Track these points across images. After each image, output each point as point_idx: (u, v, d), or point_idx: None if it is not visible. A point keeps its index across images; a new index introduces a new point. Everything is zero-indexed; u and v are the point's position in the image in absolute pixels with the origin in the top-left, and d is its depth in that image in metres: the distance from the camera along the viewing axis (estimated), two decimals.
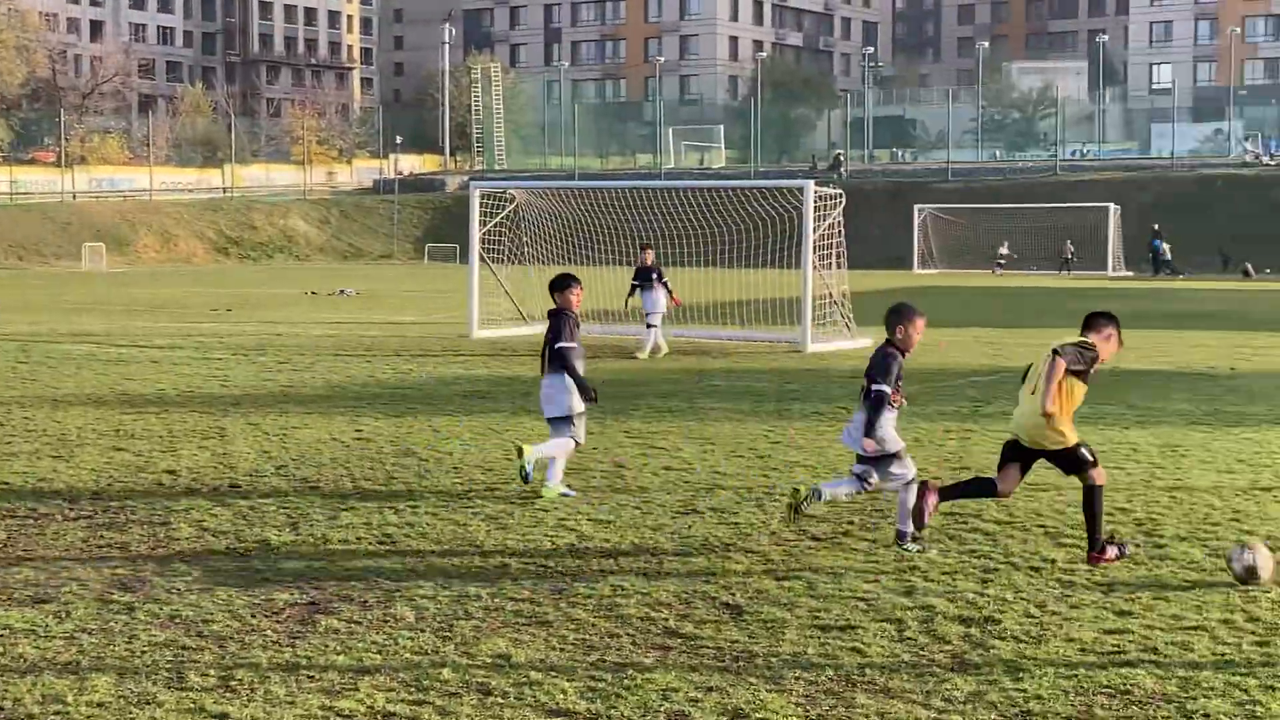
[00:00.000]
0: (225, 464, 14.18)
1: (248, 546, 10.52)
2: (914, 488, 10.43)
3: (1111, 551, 9.91)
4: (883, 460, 10.54)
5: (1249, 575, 9.39)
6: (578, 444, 12.76)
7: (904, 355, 10.66)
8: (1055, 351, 9.73)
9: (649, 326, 26.29)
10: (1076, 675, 7.60)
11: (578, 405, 12.57)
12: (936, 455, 14.84)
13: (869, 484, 10.71)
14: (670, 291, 26.58)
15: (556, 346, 12.53)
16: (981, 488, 10.46)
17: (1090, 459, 9.87)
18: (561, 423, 12.59)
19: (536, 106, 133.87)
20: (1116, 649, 8.06)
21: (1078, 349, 9.78)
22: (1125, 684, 7.44)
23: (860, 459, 10.69)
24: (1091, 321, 9.99)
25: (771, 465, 14.32)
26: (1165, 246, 69.08)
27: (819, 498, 10.67)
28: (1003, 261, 71.71)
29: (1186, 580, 9.60)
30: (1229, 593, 9.27)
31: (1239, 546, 9.64)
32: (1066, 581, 9.56)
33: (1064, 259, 71.38)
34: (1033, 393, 9.84)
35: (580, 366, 12.61)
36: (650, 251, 27.09)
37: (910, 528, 10.45)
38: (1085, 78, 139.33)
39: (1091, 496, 9.87)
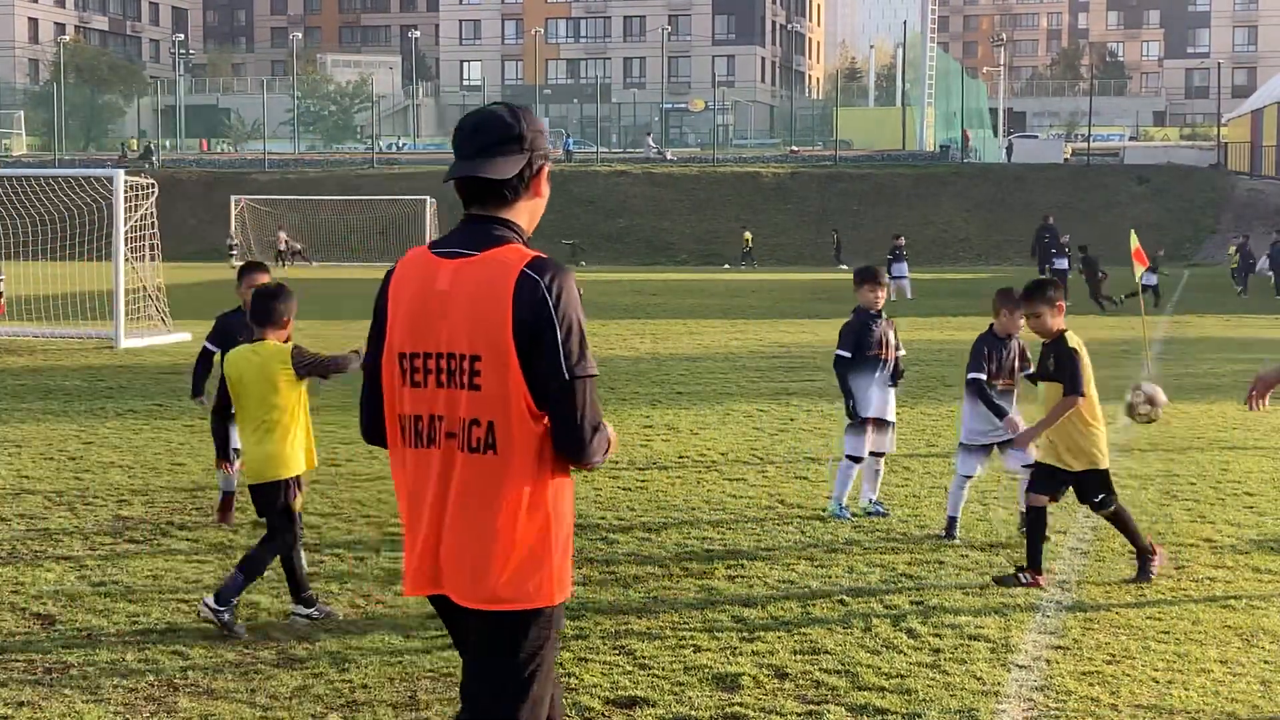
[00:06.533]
0: None
1: None
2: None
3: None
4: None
5: (1145, 404, 10.12)
6: None
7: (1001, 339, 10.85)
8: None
9: None
10: (401, 662, 7.70)
11: None
12: None
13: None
14: None
15: None
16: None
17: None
18: None
19: None
20: (440, 633, 8.21)
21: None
22: (448, 667, 7.61)
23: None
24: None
25: (84, 467, 13.67)
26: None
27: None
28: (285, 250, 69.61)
29: None
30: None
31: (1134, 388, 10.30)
32: (391, 570, 9.67)
33: (288, 251, 70.27)
34: None
35: None
36: None
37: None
38: (399, 72, 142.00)
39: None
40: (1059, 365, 9.52)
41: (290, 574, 8.58)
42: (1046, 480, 9.54)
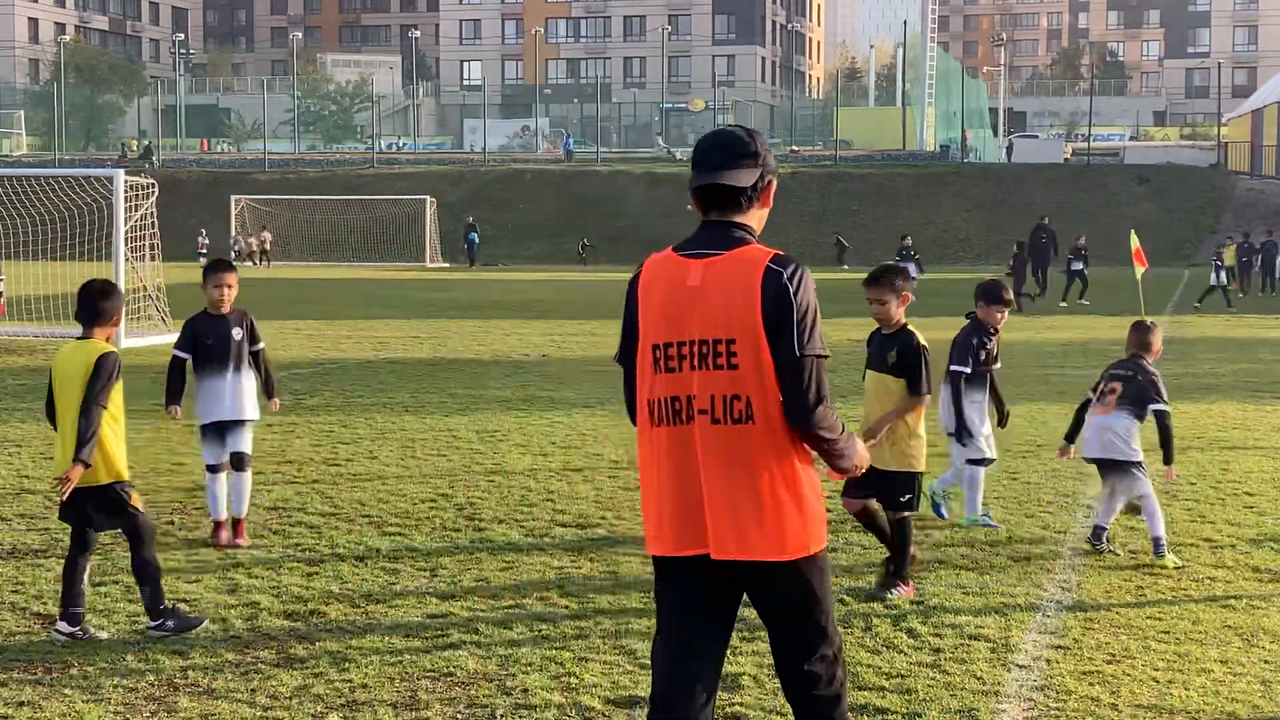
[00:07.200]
0: None
1: None
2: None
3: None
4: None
5: None
6: None
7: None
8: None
9: None
10: (401, 661, 7.69)
11: None
12: (260, 450, 14.63)
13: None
14: None
15: None
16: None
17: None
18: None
19: None
20: (440, 633, 8.23)
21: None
22: (448, 666, 7.60)
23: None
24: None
25: None
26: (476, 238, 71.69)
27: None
28: (203, 250, 69.53)
29: (505, 561, 9.94)
30: (544, 570, 9.67)
31: None
32: (391, 570, 9.67)
33: (254, 252, 70.12)
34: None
35: None
36: None
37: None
38: (399, 72, 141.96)
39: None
40: (904, 361, 9.26)
41: (69, 583, 8.17)
42: (860, 483, 8.97)
